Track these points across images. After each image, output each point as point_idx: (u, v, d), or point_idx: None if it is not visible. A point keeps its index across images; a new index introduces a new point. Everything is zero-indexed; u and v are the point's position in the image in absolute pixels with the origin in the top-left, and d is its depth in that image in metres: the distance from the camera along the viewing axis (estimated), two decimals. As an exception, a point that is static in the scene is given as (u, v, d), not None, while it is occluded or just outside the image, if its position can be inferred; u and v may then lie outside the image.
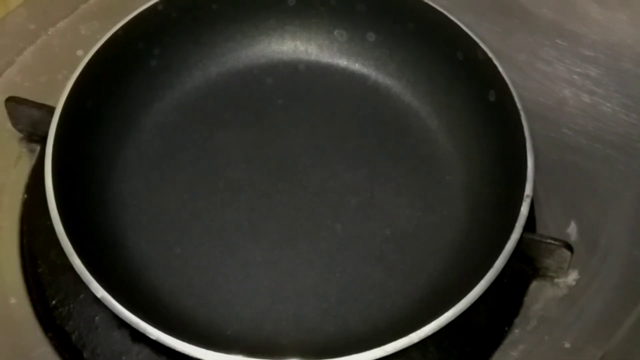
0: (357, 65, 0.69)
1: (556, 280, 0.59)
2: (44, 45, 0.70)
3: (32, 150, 0.65)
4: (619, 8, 0.73)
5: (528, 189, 0.56)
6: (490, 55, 0.62)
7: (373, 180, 0.63)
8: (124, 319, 0.51)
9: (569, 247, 0.57)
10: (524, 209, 0.55)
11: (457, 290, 0.52)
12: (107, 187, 0.61)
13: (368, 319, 0.57)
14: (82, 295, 0.57)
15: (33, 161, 0.64)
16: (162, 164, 0.64)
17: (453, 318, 0.51)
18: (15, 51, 0.69)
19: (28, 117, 0.63)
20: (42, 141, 0.62)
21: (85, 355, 0.56)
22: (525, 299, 0.59)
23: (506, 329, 0.58)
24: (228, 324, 0.56)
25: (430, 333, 0.51)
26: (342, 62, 0.70)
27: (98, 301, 0.52)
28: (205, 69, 0.68)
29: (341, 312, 0.57)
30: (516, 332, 0.57)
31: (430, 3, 0.65)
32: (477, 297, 0.52)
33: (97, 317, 0.57)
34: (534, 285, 0.59)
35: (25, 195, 0.62)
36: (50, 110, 0.60)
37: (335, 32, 0.69)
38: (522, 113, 0.59)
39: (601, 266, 0.60)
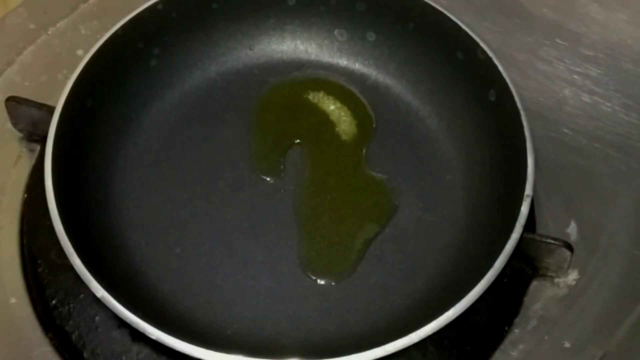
0: (357, 64, 0.69)
1: (556, 280, 0.59)
2: (44, 45, 0.70)
3: (32, 150, 0.65)
4: (619, 8, 0.73)
5: (528, 189, 0.56)
6: (490, 54, 0.62)
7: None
8: (124, 318, 0.51)
9: (569, 246, 0.57)
10: (524, 209, 0.55)
11: (457, 290, 0.52)
12: (107, 187, 0.61)
13: (368, 319, 0.57)
14: (82, 295, 0.57)
15: (33, 161, 0.64)
16: (162, 163, 0.64)
17: (453, 318, 0.51)
18: (15, 51, 0.69)
19: (28, 117, 0.63)
20: (42, 141, 0.62)
21: (85, 355, 0.56)
22: (525, 298, 0.59)
23: (506, 329, 0.58)
24: (228, 324, 0.56)
25: (430, 333, 0.51)
26: (342, 61, 0.70)
27: (98, 301, 0.52)
28: (205, 68, 0.68)
29: (341, 312, 0.57)
30: (516, 332, 0.58)
31: (431, 3, 0.65)
32: (477, 297, 0.52)
33: (97, 317, 0.57)
34: (534, 285, 0.59)
35: (25, 195, 0.62)
36: (50, 110, 0.60)
37: (335, 32, 0.69)
38: (522, 113, 0.59)
39: (601, 266, 0.60)
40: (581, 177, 0.65)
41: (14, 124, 0.65)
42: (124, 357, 0.55)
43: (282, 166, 0.64)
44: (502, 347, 0.57)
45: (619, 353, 0.56)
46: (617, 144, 0.66)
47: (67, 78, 0.61)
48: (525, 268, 0.59)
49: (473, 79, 0.63)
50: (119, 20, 0.63)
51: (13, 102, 0.63)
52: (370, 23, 0.68)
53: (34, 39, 0.70)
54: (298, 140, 0.65)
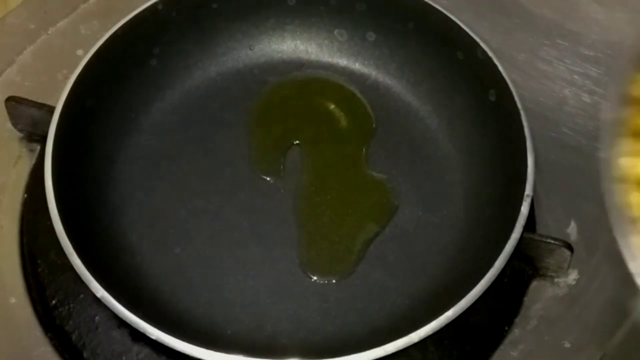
0: (357, 64, 0.69)
1: (556, 280, 0.59)
2: (44, 45, 0.70)
3: (32, 150, 0.65)
4: (619, 8, 0.73)
5: (528, 189, 0.56)
6: (491, 54, 0.62)
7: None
8: (124, 318, 0.51)
9: (569, 246, 0.57)
10: (524, 209, 0.55)
11: (457, 290, 0.52)
12: (107, 187, 0.61)
13: (368, 318, 0.57)
14: (82, 295, 0.57)
15: (33, 161, 0.64)
16: (162, 164, 0.64)
17: (453, 318, 0.51)
18: (15, 51, 0.69)
19: (28, 117, 0.63)
20: (42, 141, 0.62)
21: (85, 355, 0.56)
22: (525, 298, 0.59)
23: (506, 328, 0.58)
24: (228, 324, 0.56)
25: (430, 333, 0.51)
26: (342, 61, 0.70)
27: (98, 301, 0.52)
28: (205, 69, 0.68)
29: (341, 312, 0.57)
30: (516, 332, 0.58)
31: (431, 2, 0.65)
32: (477, 297, 0.52)
33: (97, 317, 0.57)
34: (534, 285, 0.59)
35: (25, 195, 0.62)
36: (50, 109, 0.60)
37: (335, 32, 0.69)
38: (522, 113, 0.59)
39: (601, 266, 0.60)
40: (581, 177, 0.65)
41: (14, 124, 0.65)
42: (124, 357, 0.55)
43: (282, 166, 0.64)
44: (502, 347, 0.57)
45: (619, 353, 0.56)
46: (617, 144, 0.66)
47: (67, 78, 0.61)
48: (525, 268, 0.59)
49: (473, 79, 0.64)
50: (119, 20, 0.63)
51: (13, 102, 0.63)
52: (370, 23, 0.68)
53: (34, 39, 0.70)
54: (298, 141, 0.65)
